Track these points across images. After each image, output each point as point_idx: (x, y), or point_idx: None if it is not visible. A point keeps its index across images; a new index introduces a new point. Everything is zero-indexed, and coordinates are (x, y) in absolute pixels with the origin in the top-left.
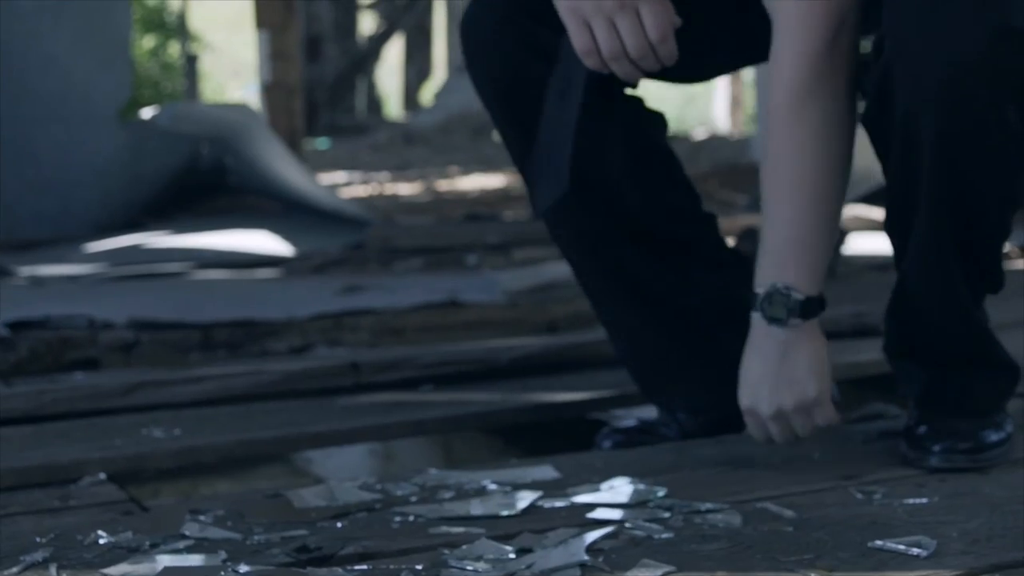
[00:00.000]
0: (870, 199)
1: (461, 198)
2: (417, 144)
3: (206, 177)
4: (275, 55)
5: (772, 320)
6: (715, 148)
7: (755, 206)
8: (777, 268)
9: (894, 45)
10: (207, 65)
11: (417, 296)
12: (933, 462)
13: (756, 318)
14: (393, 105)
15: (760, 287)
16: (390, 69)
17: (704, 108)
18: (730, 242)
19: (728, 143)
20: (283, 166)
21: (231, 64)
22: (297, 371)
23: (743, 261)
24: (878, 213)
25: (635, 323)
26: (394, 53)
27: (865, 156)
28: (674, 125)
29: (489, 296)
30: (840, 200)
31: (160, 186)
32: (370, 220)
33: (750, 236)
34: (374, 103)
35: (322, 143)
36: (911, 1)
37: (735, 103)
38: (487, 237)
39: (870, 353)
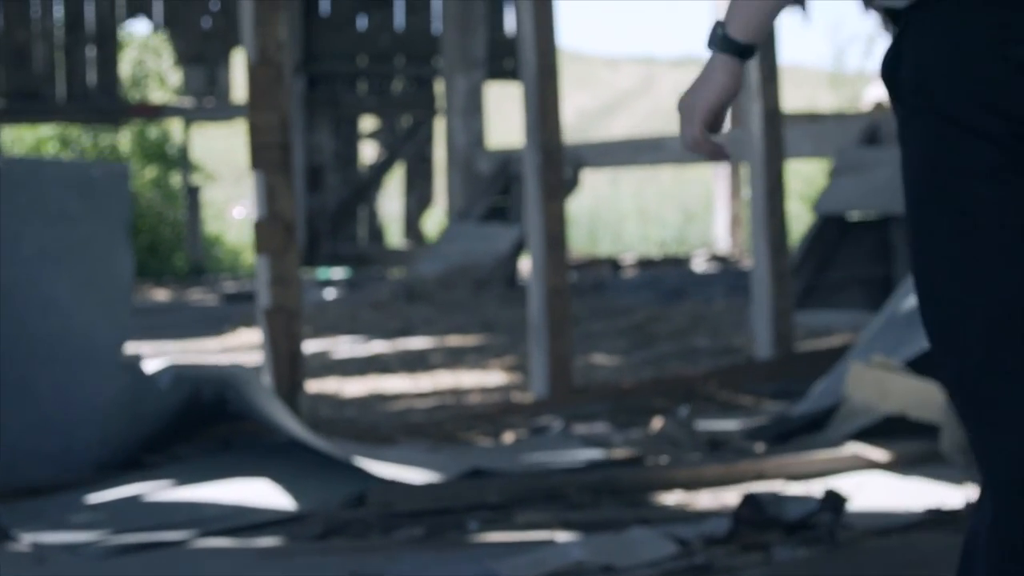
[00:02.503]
0: (866, 436)
1: (461, 404)
2: (418, 301)
3: (207, 410)
4: (275, 280)
5: (709, 46)
6: (716, 320)
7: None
8: (726, 16)
9: None
10: (206, 183)
11: None
12: None
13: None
14: (394, 233)
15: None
16: (391, 195)
17: (705, 227)
18: (731, 498)
19: (730, 310)
20: (282, 417)
21: (230, 170)
22: None
23: None
24: (876, 453)
25: None
26: (395, 181)
27: (863, 390)
28: (674, 245)
29: None
30: None
31: (161, 424)
32: (370, 474)
33: (751, 502)
34: (375, 231)
35: (323, 272)
36: None
37: (735, 222)
38: (488, 496)
39: None
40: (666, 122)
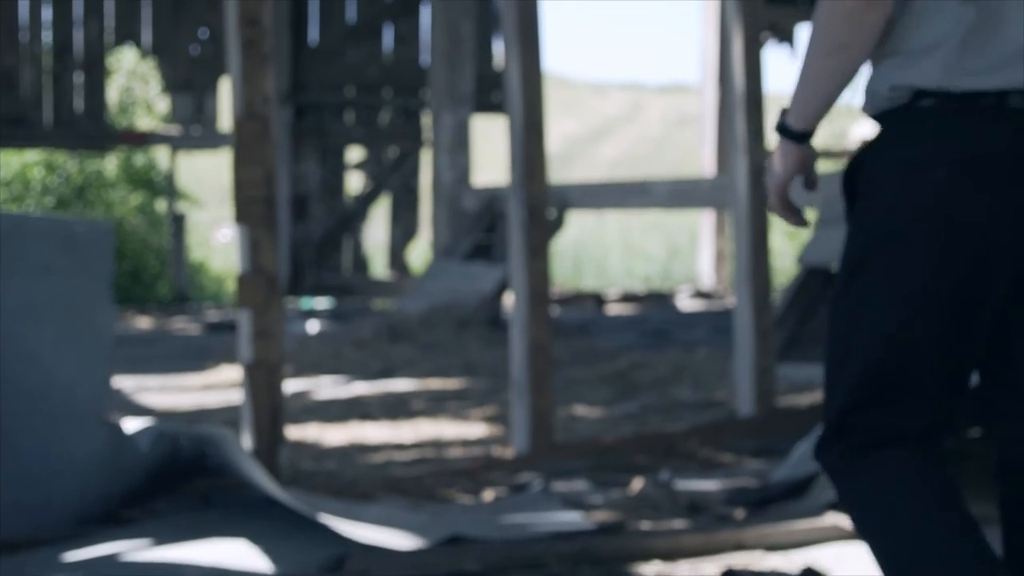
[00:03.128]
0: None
1: (441, 459)
2: (401, 340)
3: (186, 464)
4: (257, 334)
5: (776, 130)
6: (698, 369)
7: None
8: (790, 103)
9: None
10: (192, 209)
11: None
12: None
13: None
14: (379, 264)
15: None
16: (376, 224)
17: (689, 262)
18: (709, 569)
19: (713, 359)
20: (261, 478)
21: (215, 192)
22: None
23: None
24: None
25: None
26: (380, 211)
27: None
28: (659, 280)
29: None
30: (842, 86)
31: (141, 478)
32: (349, 540)
33: None
34: (360, 262)
35: (306, 302)
36: None
37: (720, 257)
38: (467, 564)
39: None
40: (653, 149)
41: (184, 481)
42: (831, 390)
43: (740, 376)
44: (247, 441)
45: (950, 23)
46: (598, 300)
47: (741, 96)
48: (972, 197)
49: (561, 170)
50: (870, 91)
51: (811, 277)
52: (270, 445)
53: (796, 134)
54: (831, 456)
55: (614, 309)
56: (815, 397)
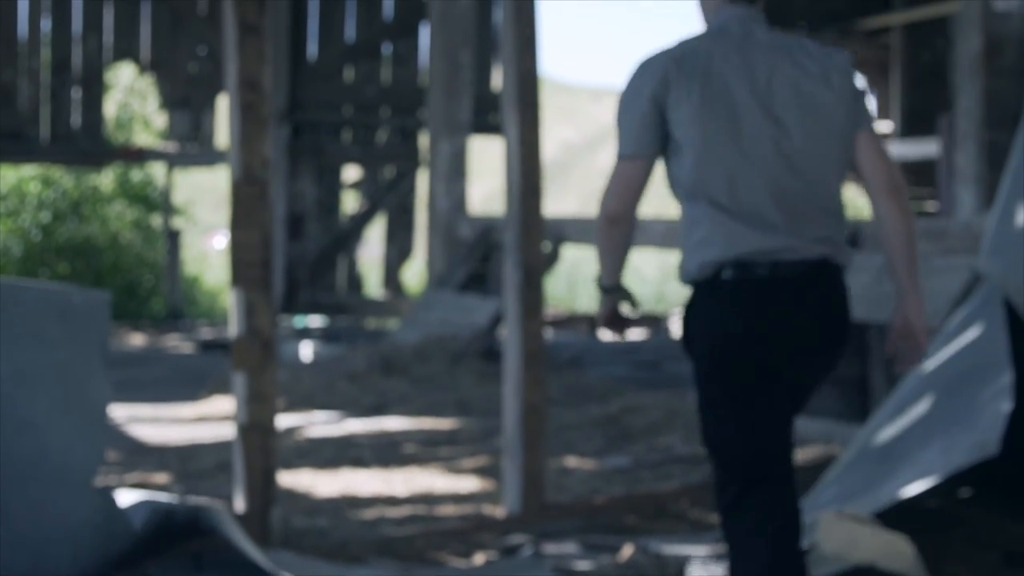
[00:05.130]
0: None
1: (433, 516)
2: (395, 373)
3: (180, 528)
4: (252, 397)
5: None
6: (689, 415)
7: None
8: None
9: None
10: (187, 225)
11: None
12: None
13: None
14: (373, 282)
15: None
16: (371, 244)
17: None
18: None
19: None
20: (253, 552)
21: (211, 197)
22: None
23: None
24: None
25: None
26: (376, 230)
27: (834, 539)
28: (653, 302)
29: None
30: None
31: (133, 542)
32: None
33: None
34: (355, 281)
35: (299, 321)
36: None
37: None
38: None
39: None
40: None
41: (176, 545)
42: None
43: None
44: (240, 502)
45: (713, 221)
46: (591, 323)
47: None
48: (756, 330)
49: (558, 178)
50: (683, 269)
51: None
52: (263, 506)
53: (606, 287)
54: None
55: (607, 335)
56: (806, 453)
